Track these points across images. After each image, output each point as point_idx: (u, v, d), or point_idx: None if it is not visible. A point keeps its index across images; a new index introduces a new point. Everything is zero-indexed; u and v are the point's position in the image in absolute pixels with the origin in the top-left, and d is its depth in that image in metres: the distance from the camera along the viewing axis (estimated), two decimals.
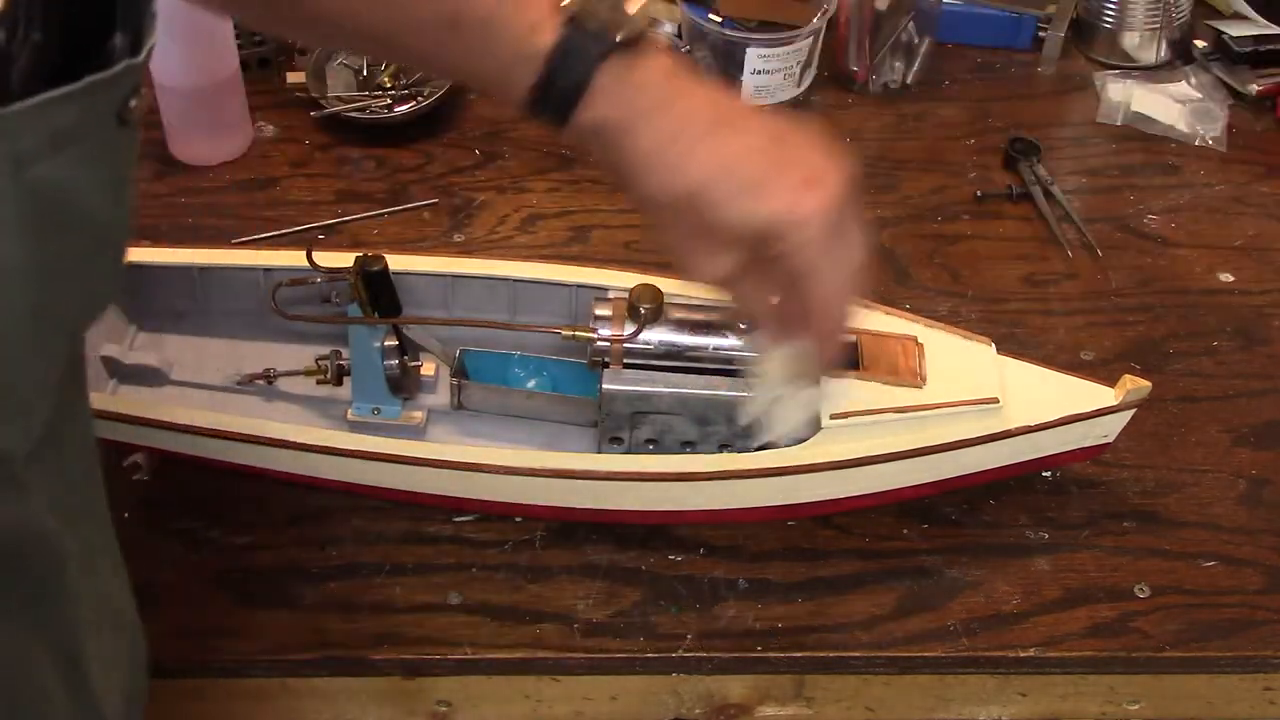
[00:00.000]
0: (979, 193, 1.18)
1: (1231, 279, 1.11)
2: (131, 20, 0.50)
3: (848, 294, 0.70)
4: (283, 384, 0.96)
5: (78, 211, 0.49)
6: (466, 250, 1.09)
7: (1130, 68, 1.31)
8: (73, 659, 0.60)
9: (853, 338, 0.88)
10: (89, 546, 0.60)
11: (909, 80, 1.28)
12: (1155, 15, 1.30)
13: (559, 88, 0.65)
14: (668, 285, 0.91)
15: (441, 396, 0.96)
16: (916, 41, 1.30)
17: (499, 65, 0.65)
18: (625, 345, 0.88)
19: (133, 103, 0.49)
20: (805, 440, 0.86)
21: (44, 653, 0.58)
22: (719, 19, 1.23)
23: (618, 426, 0.90)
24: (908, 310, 0.94)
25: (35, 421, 0.52)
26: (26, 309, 0.48)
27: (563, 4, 0.65)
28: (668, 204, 0.67)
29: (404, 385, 0.93)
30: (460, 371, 0.94)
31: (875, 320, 0.91)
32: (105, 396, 0.93)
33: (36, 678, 0.57)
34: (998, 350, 0.90)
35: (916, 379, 0.87)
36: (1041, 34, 1.32)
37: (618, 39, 0.65)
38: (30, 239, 0.46)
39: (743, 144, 0.66)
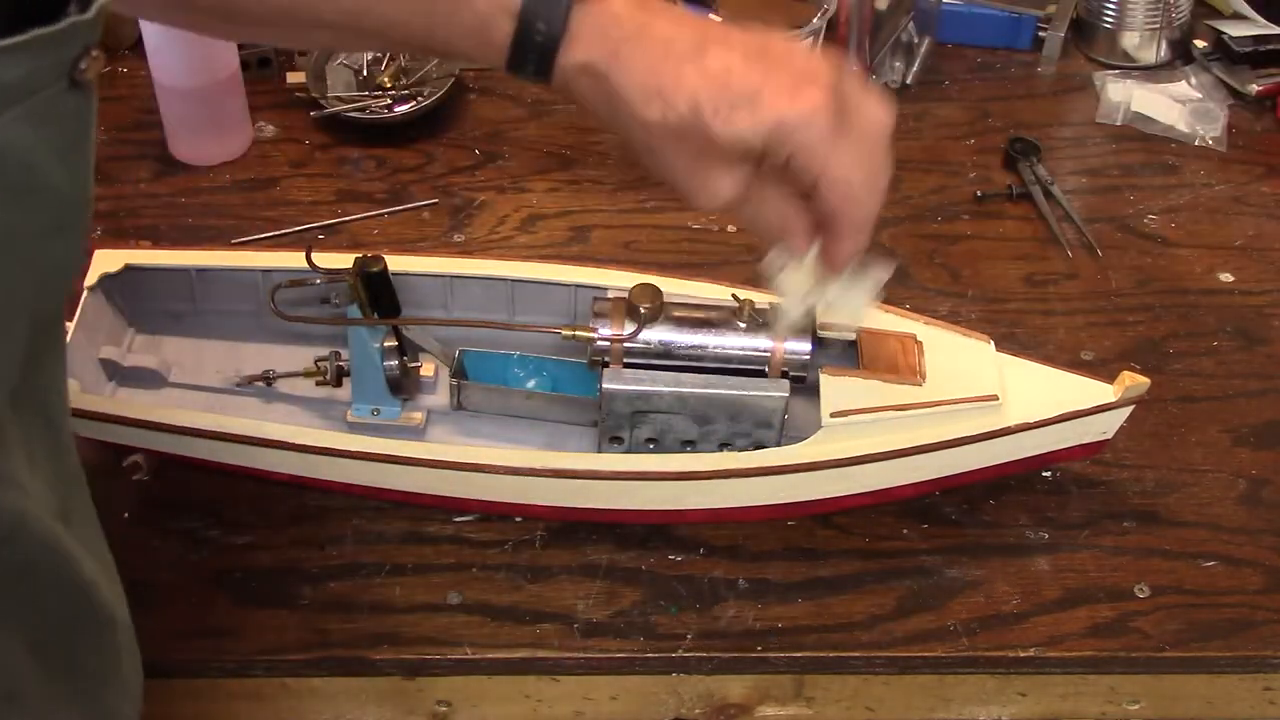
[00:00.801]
0: (979, 193, 1.18)
1: (1231, 279, 1.11)
2: None
3: (871, 177, 0.69)
4: (282, 385, 0.96)
5: (28, 177, 0.48)
6: (466, 250, 1.09)
7: (1130, 68, 1.31)
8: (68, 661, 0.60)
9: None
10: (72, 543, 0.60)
11: (909, 80, 1.28)
12: (1155, 15, 1.30)
13: (537, 37, 0.65)
14: (668, 285, 0.91)
15: (441, 397, 0.96)
16: (916, 41, 1.30)
17: (475, 24, 0.65)
18: (625, 345, 0.88)
19: (83, 64, 0.49)
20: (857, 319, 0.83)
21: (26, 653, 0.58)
22: (719, 19, 1.23)
23: (618, 426, 0.90)
24: (908, 310, 0.94)
25: None
26: None
27: None
28: (666, 131, 0.67)
29: (404, 386, 0.93)
30: (460, 372, 0.94)
31: (875, 318, 0.91)
32: (104, 399, 0.93)
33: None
34: (997, 349, 0.90)
35: (916, 377, 0.87)
36: (1041, 34, 1.32)
37: None
38: None
39: (729, 58, 0.66)
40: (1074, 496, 0.95)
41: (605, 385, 0.87)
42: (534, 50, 0.65)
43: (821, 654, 0.87)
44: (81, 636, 0.62)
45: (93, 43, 0.49)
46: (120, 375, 0.96)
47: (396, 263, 0.90)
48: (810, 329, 0.86)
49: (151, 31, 1.11)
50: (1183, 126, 1.25)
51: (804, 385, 0.89)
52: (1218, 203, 1.18)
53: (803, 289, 0.77)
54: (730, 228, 1.12)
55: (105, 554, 0.65)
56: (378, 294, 0.89)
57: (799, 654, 0.86)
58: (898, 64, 1.28)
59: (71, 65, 0.49)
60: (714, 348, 0.88)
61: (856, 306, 0.80)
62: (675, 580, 0.89)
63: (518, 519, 0.92)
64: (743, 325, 0.88)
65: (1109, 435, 0.91)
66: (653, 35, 0.66)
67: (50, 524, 0.57)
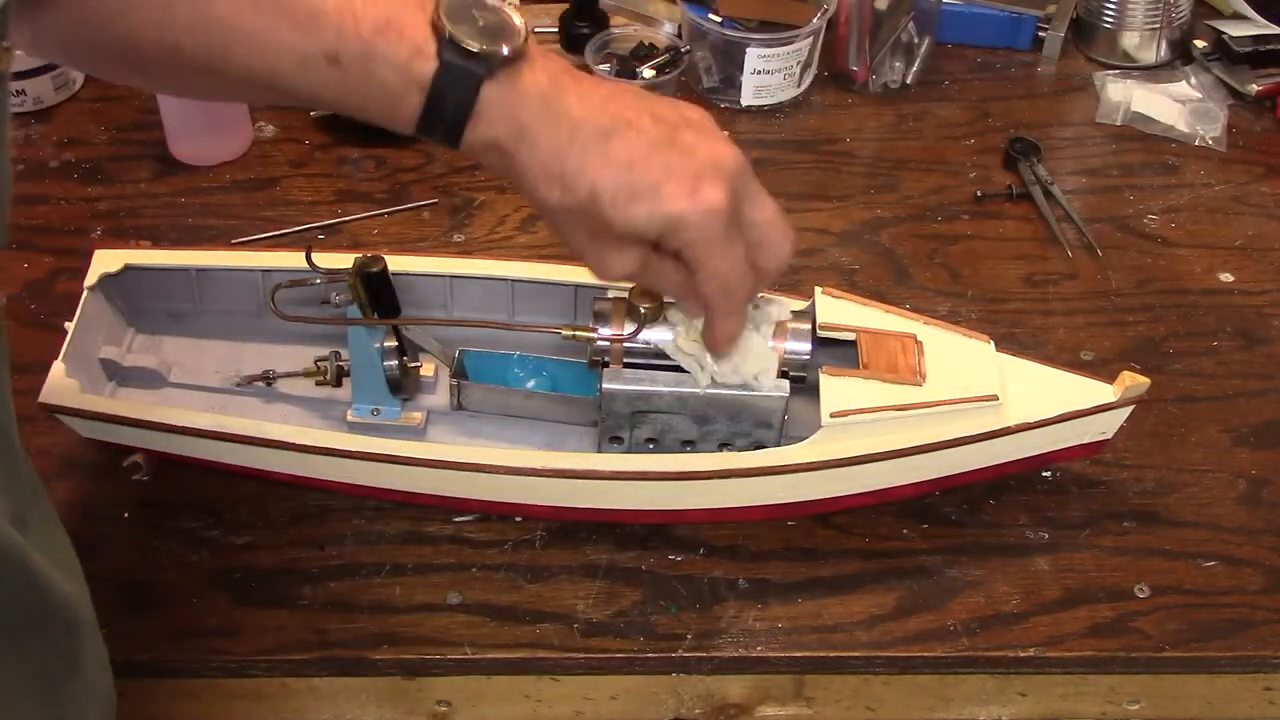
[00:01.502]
0: (979, 193, 1.18)
1: (1231, 279, 1.11)
2: None
3: (743, 279, 0.74)
4: (282, 385, 0.96)
5: None
6: (466, 250, 1.10)
7: (1130, 68, 1.31)
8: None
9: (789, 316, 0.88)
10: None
11: (909, 80, 1.28)
12: (1155, 15, 1.30)
13: (445, 113, 0.66)
14: None
15: (441, 397, 0.96)
16: (916, 41, 1.30)
17: (383, 96, 0.66)
18: (625, 345, 0.88)
19: None
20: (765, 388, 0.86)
21: None
22: (719, 19, 1.23)
23: (618, 426, 0.90)
24: (908, 310, 0.94)
25: None
26: None
27: (437, 26, 0.66)
28: (566, 212, 0.69)
29: (403, 386, 0.93)
30: (460, 372, 0.94)
31: (874, 318, 0.91)
32: (104, 399, 0.93)
33: None
34: (997, 349, 0.90)
35: (916, 377, 0.87)
36: (1041, 34, 1.32)
37: (500, 55, 0.66)
38: None
39: (634, 146, 0.68)
40: (1074, 496, 0.95)
41: (605, 385, 0.87)
42: (442, 124, 0.67)
43: (821, 654, 0.87)
44: (39, 639, 0.61)
45: (3, 32, 0.50)
46: (120, 375, 0.96)
47: (396, 263, 0.90)
48: (737, 381, 0.87)
49: None
50: (1183, 126, 1.25)
51: (804, 385, 0.89)
52: (1218, 203, 1.18)
53: (698, 349, 0.84)
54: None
55: (70, 559, 0.65)
56: (378, 294, 0.89)
57: (799, 654, 0.86)
58: (898, 64, 1.28)
59: None
60: None
61: (760, 355, 0.85)
62: (675, 580, 0.89)
63: (518, 519, 0.92)
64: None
65: (1109, 435, 0.91)
66: (560, 116, 0.68)
67: (5, 529, 0.57)
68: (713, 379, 0.85)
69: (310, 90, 0.67)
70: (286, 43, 0.65)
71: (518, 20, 0.68)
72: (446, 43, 0.66)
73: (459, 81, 0.66)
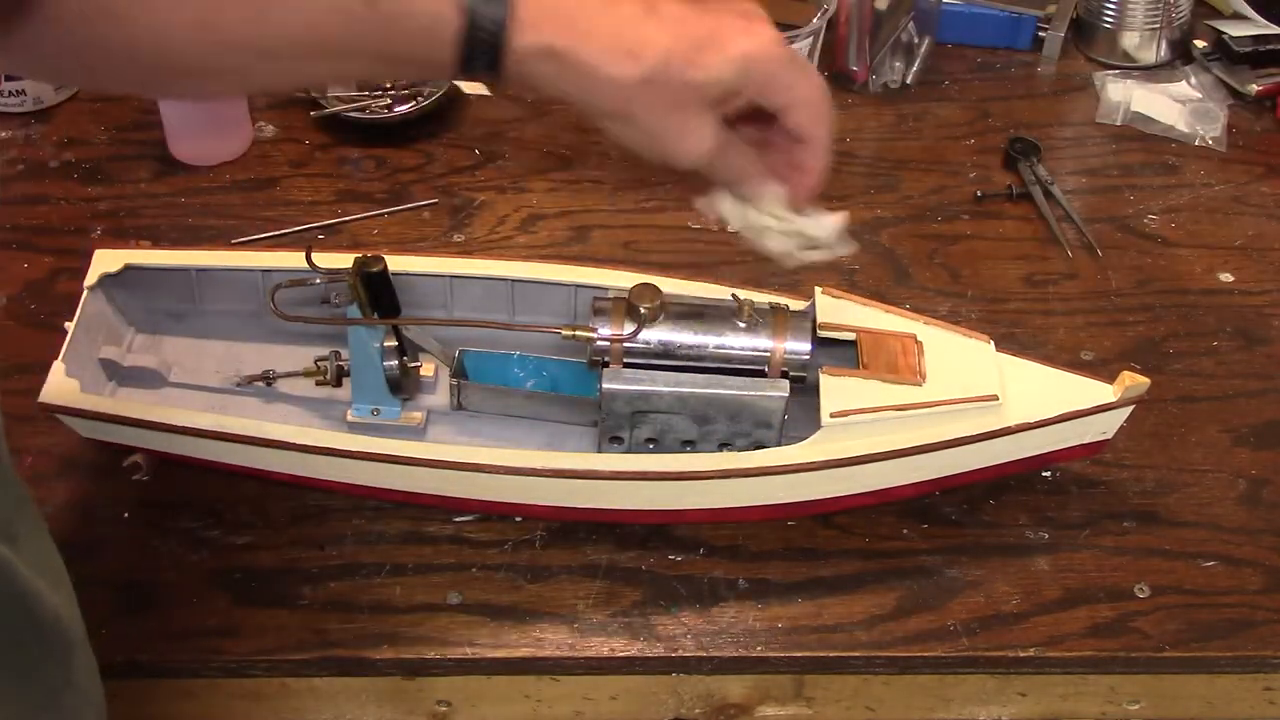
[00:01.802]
0: (979, 193, 1.18)
1: (1231, 279, 1.11)
2: None
3: (828, 99, 0.73)
4: (282, 385, 0.96)
5: None
6: (466, 250, 1.10)
7: (1130, 68, 1.31)
8: None
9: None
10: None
11: (909, 80, 1.28)
12: (1155, 15, 1.30)
13: (486, 24, 0.66)
14: (668, 285, 0.91)
15: (441, 397, 0.96)
16: (916, 41, 1.30)
17: (421, 29, 0.66)
18: (625, 345, 0.88)
19: None
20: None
21: None
22: None
23: (618, 426, 0.90)
24: (908, 310, 0.94)
25: None
26: None
27: None
28: (642, 85, 0.68)
29: (403, 386, 0.93)
30: (460, 372, 0.94)
31: (874, 318, 0.91)
32: (104, 399, 0.93)
33: None
34: (997, 349, 0.90)
35: (916, 377, 0.87)
36: (1041, 34, 1.32)
37: None
38: None
39: (678, 13, 0.69)
40: (1074, 496, 0.95)
41: (605, 385, 0.87)
42: (483, 42, 0.66)
43: (821, 654, 0.87)
44: (28, 652, 0.61)
45: None
46: (120, 375, 0.96)
47: (396, 263, 0.90)
48: (795, 256, 0.83)
49: None
50: (1183, 126, 1.25)
51: (804, 385, 0.89)
52: (1218, 203, 1.18)
53: (766, 224, 0.80)
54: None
55: (58, 570, 0.65)
56: (378, 294, 0.89)
57: (799, 654, 0.86)
58: (898, 64, 1.28)
59: None
60: (714, 348, 0.88)
61: (826, 226, 0.81)
62: (675, 580, 0.89)
63: (518, 519, 0.92)
64: (742, 325, 0.88)
65: (1109, 435, 0.91)
66: (599, 5, 0.68)
67: None
68: (800, 243, 0.81)
69: (349, 41, 0.66)
70: None
71: None
72: None
73: None
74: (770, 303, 0.90)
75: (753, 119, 0.73)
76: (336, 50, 0.67)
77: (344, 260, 0.89)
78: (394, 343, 0.92)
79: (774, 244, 0.81)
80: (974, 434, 0.87)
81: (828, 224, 0.81)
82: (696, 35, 0.69)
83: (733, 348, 0.88)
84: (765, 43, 0.70)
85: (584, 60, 0.68)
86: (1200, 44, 1.32)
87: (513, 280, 0.96)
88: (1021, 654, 0.87)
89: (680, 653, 0.86)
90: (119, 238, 1.07)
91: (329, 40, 0.66)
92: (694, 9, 0.70)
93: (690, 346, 0.88)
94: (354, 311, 0.89)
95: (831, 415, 0.85)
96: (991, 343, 0.91)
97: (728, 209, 0.80)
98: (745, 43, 0.69)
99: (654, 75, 0.68)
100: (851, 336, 0.89)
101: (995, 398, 0.87)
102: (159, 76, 0.69)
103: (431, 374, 0.97)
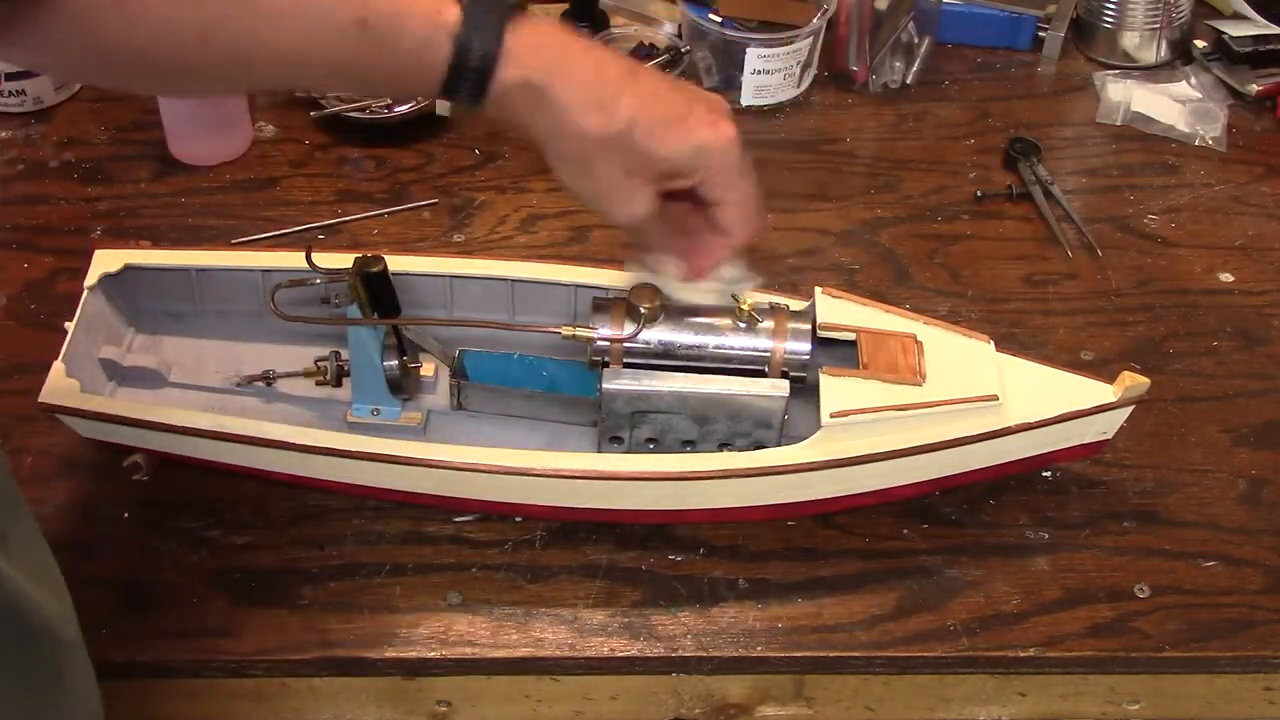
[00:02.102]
0: (979, 193, 1.18)
1: (1231, 279, 1.11)
2: None
3: (758, 213, 0.79)
4: (282, 385, 0.96)
5: None
6: (466, 250, 1.09)
7: (1130, 68, 1.31)
8: None
9: (850, 335, 0.89)
10: None
11: (909, 80, 1.28)
12: (1155, 15, 1.30)
13: (473, 58, 0.69)
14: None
15: (441, 397, 0.96)
16: (916, 41, 1.30)
17: (411, 54, 0.69)
18: (625, 345, 0.88)
19: None
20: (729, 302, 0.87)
21: None
22: (719, 19, 1.23)
23: (618, 426, 0.90)
24: (908, 310, 0.94)
25: None
26: None
27: None
28: (604, 143, 0.72)
29: (403, 386, 0.93)
30: (460, 372, 0.94)
31: (875, 318, 0.91)
32: (104, 399, 0.93)
33: None
34: (997, 349, 0.90)
35: (916, 377, 0.87)
36: (1041, 34, 1.32)
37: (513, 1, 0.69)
38: None
39: (656, 84, 0.74)
40: (1074, 496, 0.95)
41: (605, 385, 0.87)
42: (470, 72, 0.69)
43: (821, 654, 0.87)
44: (23, 657, 0.61)
45: None
46: (120, 375, 0.96)
47: (396, 263, 0.90)
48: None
49: None
50: (1183, 126, 1.25)
51: (804, 385, 0.89)
52: (1218, 203, 1.18)
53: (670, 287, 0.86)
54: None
55: (53, 574, 0.65)
56: (378, 294, 0.89)
57: (799, 654, 0.86)
58: (898, 64, 1.28)
59: None
60: (714, 348, 0.88)
61: (719, 296, 0.87)
62: (675, 580, 0.89)
63: (518, 519, 0.92)
64: (742, 325, 0.88)
65: (1109, 435, 0.91)
66: (587, 56, 0.73)
67: None
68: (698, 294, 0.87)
69: (340, 61, 0.68)
70: (316, 16, 0.66)
71: None
72: None
73: (484, 22, 0.69)
74: (770, 303, 0.90)
75: (682, 197, 0.78)
76: (328, 66, 0.69)
77: (344, 260, 0.89)
78: (394, 343, 0.92)
79: (682, 295, 0.87)
80: (974, 434, 0.87)
81: (719, 286, 0.86)
82: (666, 113, 0.73)
83: (733, 348, 0.88)
84: (724, 140, 0.75)
85: (557, 101, 0.71)
86: (1200, 44, 1.32)
87: (513, 280, 0.96)
88: (1021, 654, 0.87)
89: (680, 653, 0.86)
90: (119, 238, 1.07)
91: (321, 57, 0.68)
92: (671, 86, 0.75)
93: (690, 347, 0.88)
94: (354, 311, 0.89)
95: (831, 415, 0.85)
96: (991, 343, 0.91)
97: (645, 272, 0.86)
98: (707, 134, 0.74)
99: (617, 137, 0.72)
100: (851, 336, 0.89)
101: (995, 398, 0.87)
102: (162, 77, 0.71)
103: (431, 374, 0.97)
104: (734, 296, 0.88)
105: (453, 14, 0.68)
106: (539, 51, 0.70)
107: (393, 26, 0.67)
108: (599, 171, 0.74)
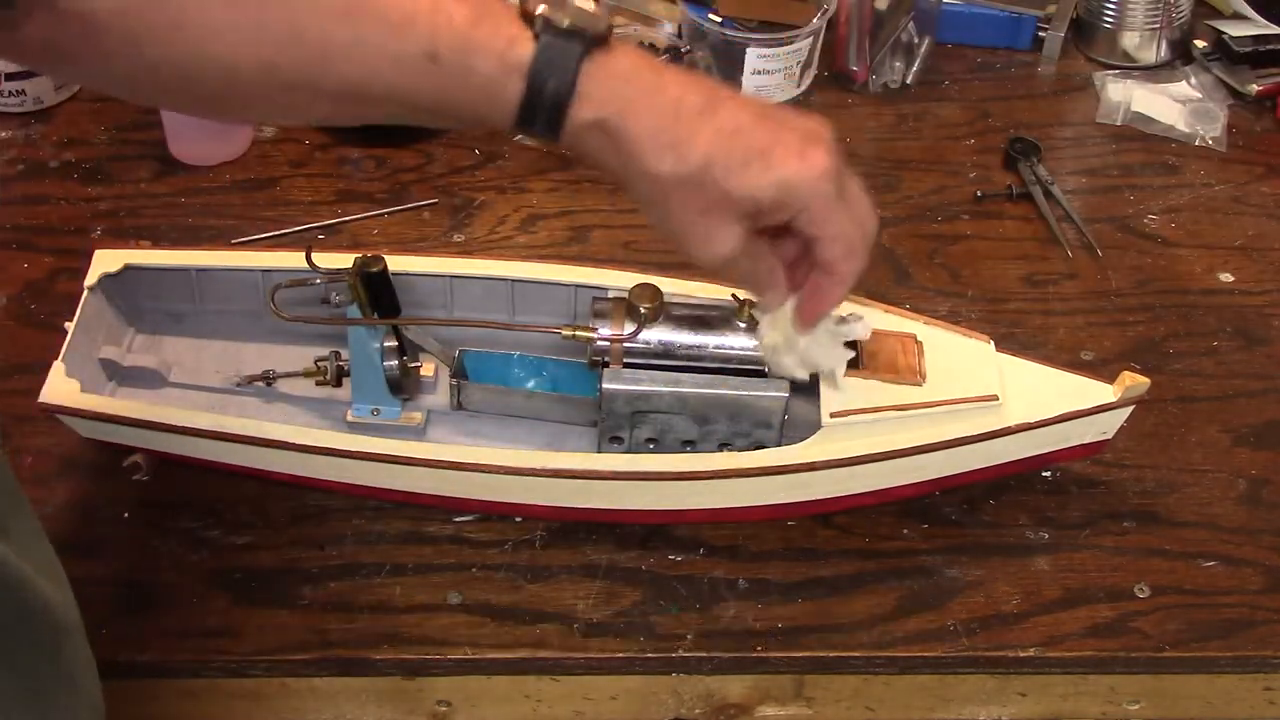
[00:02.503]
0: (979, 193, 1.18)
1: (1231, 279, 1.11)
2: None
3: (865, 240, 0.72)
4: (282, 385, 0.96)
5: None
6: (466, 250, 1.10)
7: (1130, 68, 1.31)
8: None
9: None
10: None
11: (909, 80, 1.28)
12: (1155, 15, 1.30)
13: (548, 95, 0.66)
14: (668, 285, 0.91)
15: (441, 397, 0.96)
16: (916, 41, 1.30)
17: (482, 88, 0.66)
18: (625, 345, 0.88)
19: None
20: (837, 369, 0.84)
21: None
22: (719, 19, 1.23)
23: (618, 426, 0.90)
24: (908, 310, 0.94)
25: None
26: None
27: (536, 12, 0.66)
28: (677, 183, 0.68)
29: (403, 386, 0.93)
30: (460, 372, 0.94)
31: (875, 318, 0.91)
32: (104, 398, 0.93)
33: None
34: (997, 349, 0.90)
35: (916, 377, 0.87)
36: (1041, 34, 1.32)
37: (594, 31, 0.66)
38: None
39: (738, 117, 0.68)
40: (1074, 496, 0.95)
41: (605, 385, 0.87)
42: (543, 109, 0.66)
43: (821, 654, 0.87)
44: (26, 649, 0.61)
45: None
46: (120, 375, 0.96)
47: (396, 263, 0.90)
48: (803, 376, 0.84)
49: None
50: (1183, 126, 1.25)
51: (804, 385, 0.89)
52: (1218, 203, 1.18)
53: (776, 342, 0.80)
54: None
55: (55, 567, 0.65)
56: (378, 294, 0.89)
57: (799, 654, 0.86)
58: (898, 64, 1.28)
59: None
60: (714, 348, 0.88)
61: (834, 358, 0.83)
62: (675, 580, 0.89)
63: (518, 519, 0.92)
64: (743, 325, 0.88)
65: (1109, 435, 0.91)
66: (663, 92, 0.68)
67: None
68: (795, 365, 0.82)
69: (408, 93, 0.66)
70: (384, 47, 0.65)
71: (599, 7, 0.68)
72: (541, 23, 0.66)
73: (558, 59, 0.66)
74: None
75: (790, 233, 0.72)
76: (396, 99, 0.67)
77: (344, 260, 0.89)
78: (394, 343, 0.92)
79: (785, 361, 0.81)
80: (974, 434, 0.87)
81: (836, 354, 0.82)
82: (746, 147, 0.68)
83: (733, 348, 0.88)
84: (814, 171, 0.68)
85: (629, 142, 0.67)
86: (1200, 44, 1.32)
87: (513, 280, 0.96)
88: (1021, 654, 0.87)
89: (680, 653, 0.86)
90: (119, 238, 1.07)
91: (389, 90, 0.67)
92: (757, 116, 0.69)
93: (690, 347, 0.88)
94: (354, 311, 0.89)
95: (831, 415, 0.85)
96: (991, 343, 0.91)
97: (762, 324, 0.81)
98: (793, 166, 0.68)
99: (691, 178, 0.68)
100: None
101: (995, 398, 0.87)
102: (224, 106, 0.70)
103: (431, 374, 0.97)
104: (734, 296, 0.88)
105: (526, 49, 0.65)
106: (614, 89, 0.67)
107: (463, 62, 0.65)
108: (674, 211, 0.70)
